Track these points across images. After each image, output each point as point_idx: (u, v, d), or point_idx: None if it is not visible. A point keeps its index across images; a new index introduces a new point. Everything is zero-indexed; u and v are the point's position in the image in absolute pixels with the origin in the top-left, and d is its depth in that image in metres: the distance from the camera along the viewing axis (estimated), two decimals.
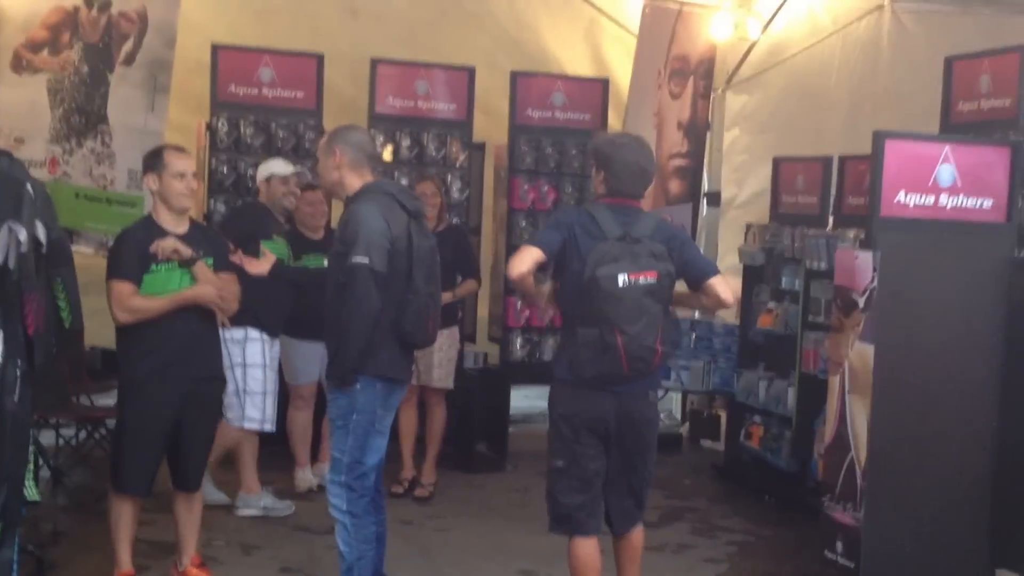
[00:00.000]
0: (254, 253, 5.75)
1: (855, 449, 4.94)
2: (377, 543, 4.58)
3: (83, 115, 7.27)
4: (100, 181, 7.32)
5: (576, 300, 4.19)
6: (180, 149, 4.94)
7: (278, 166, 6.33)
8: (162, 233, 4.73)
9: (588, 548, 4.33)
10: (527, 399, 8.99)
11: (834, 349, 5.20)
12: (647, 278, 4.13)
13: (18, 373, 3.97)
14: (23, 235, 3.89)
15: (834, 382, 5.12)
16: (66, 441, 6.91)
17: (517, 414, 8.54)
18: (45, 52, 7.27)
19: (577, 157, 8.16)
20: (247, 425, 6.04)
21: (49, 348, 4.21)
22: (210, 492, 5.92)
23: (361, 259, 4.33)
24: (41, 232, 4.04)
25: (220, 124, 7.51)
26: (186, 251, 4.69)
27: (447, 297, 6.03)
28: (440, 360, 6.73)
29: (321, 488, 5.72)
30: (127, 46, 7.30)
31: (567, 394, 4.30)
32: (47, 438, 6.72)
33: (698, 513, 6.78)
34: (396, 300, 4.43)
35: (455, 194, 7.82)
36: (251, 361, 5.98)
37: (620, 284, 4.09)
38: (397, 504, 6.47)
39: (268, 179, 6.24)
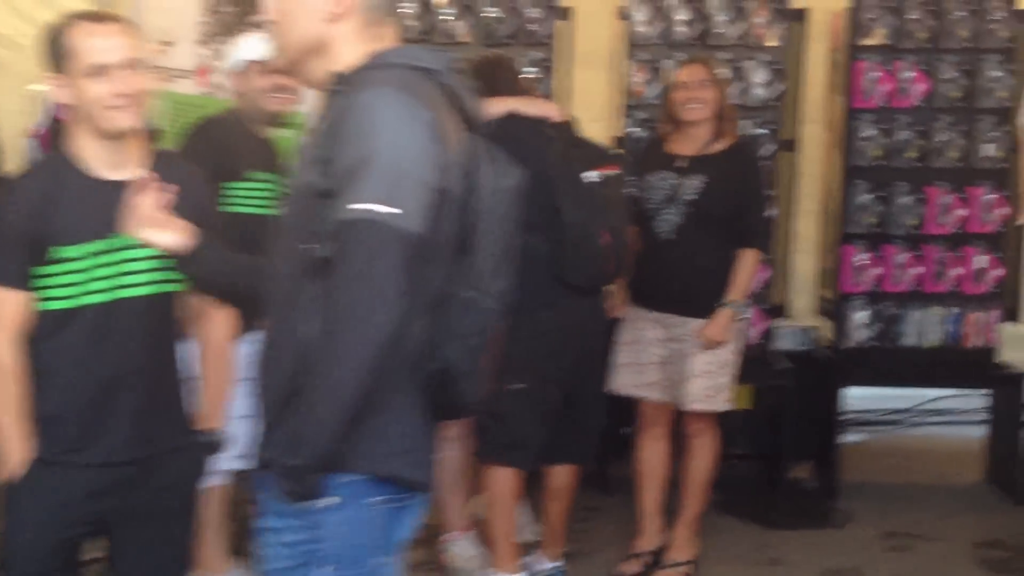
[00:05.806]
0: None
1: None
2: None
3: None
4: None
5: None
6: (103, 17, 2.49)
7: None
8: (77, 177, 2.43)
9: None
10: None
11: None
12: None
13: None
14: None
15: None
16: None
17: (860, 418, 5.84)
18: None
19: (966, 21, 5.06)
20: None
21: None
22: None
23: (378, 208, 1.84)
24: None
25: None
26: None
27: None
28: (703, 363, 4.05)
29: None
30: None
31: None
32: None
33: None
34: (432, 304, 1.97)
35: (758, 90, 5.04)
36: None
37: None
38: None
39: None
